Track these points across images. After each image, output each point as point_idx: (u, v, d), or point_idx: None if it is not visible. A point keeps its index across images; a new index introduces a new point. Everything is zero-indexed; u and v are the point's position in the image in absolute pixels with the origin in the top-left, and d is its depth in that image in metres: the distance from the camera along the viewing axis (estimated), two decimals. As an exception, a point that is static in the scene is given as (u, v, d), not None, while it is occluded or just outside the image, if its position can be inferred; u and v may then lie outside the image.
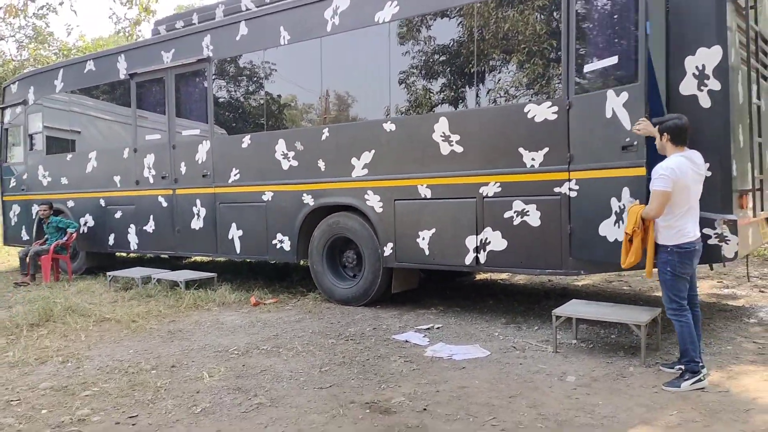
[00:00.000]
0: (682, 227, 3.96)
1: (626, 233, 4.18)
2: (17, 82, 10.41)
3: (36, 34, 16.42)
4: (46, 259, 8.86)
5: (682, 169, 3.92)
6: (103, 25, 51.85)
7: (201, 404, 3.87)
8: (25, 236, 10.19)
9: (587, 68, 5.06)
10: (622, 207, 4.64)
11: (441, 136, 5.83)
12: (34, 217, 9.95)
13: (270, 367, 4.59)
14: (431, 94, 6.06)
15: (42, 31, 16.48)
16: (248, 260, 8.71)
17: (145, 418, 3.68)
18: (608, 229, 4.85)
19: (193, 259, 10.36)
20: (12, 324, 5.99)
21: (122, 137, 8.79)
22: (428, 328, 5.59)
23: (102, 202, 9.00)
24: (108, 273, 8.45)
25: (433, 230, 5.92)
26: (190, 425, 3.56)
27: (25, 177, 10.19)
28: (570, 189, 5.15)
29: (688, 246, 3.97)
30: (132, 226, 8.62)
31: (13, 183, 10.49)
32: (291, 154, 6.94)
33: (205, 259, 10.18)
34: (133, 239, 8.64)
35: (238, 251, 7.51)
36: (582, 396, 3.81)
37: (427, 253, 5.98)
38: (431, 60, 6.03)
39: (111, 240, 8.94)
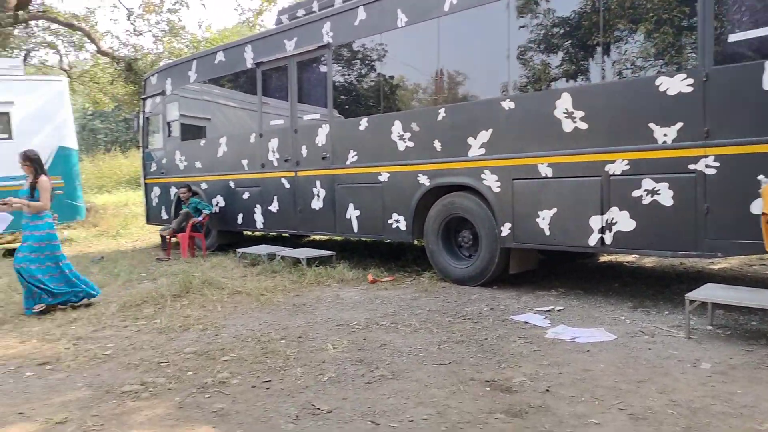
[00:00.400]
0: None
1: (763, 214, 3.87)
2: (156, 75, 11.26)
3: (170, 28, 17.65)
4: (184, 237, 9.59)
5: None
6: (227, 15, 54.66)
7: (327, 373, 4.05)
8: (164, 216, 11.07)
9: (734, 37, 4.68)
10: None
11: (563, 112, 5.65)
12: (172, 198, 10.77)
13: (389, 342, 4.71)
14: (552, 70, 5.88)
15: (175, 25, 17.69)
16: (365, 239, 8.94)
17: (278, 383, 3.92)
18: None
19: (312, 238, 10.78)
20: (158, 294, 6.56)
21: (249, 123, 9.28)
22: (549, 310, 5.48)
23: (231, 184, 9.58)
24: (237, 250, 9.02)
25: (555, 210, 5.77)
26: (318, 392, 3.75)
27: (164, 161, 11.05)
28: (707, 166, 4.82)
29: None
30: (258, 206, 9.12)
31: (153, 167, 11.41)
32: (407, 135, 7.02)
33: (324, 237, 10.55)
34: (259, 218, 9.14)
35: (355, 230, 7.73)
36: (718, 384, 3.60)
37: (547, 233, 5.85)
38: (552, 34, 5.83)
39: (239, 219, 9.51)
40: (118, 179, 22.35)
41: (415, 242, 7.83)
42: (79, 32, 17.86)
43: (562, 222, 5.73)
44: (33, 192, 6.23)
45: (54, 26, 18.09)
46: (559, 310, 5.46)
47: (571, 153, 5.61)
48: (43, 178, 6.25)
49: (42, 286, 6.13)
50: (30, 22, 16.96)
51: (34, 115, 11.32)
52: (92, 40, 17.83)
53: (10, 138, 11.04)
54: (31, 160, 6.29)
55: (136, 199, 17.40)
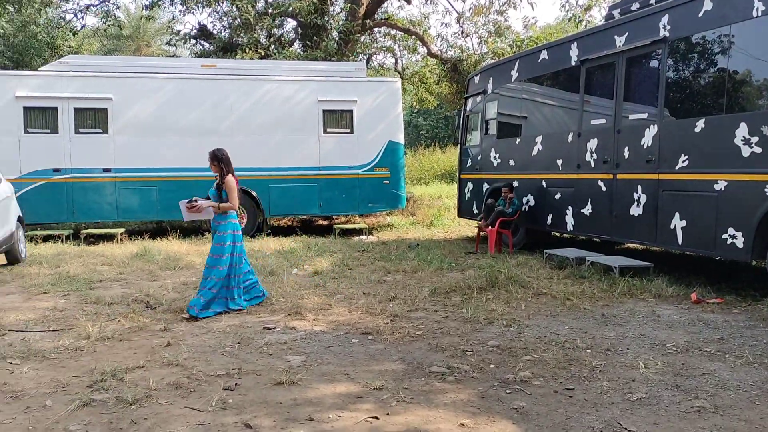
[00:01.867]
0: None
1: None
2: (479, 74, 11.76)
3: (495, 28, 18.22)
4: (492, 232, 9.87)
5: None
6: (549, 12, 54.20)
7: (636, 393, 3.76)
8: (475, 210, 11.53)
9: None
10: None
11: None
12: (483, 194, 11.16)
13: (713, 371, 4.16)
14: None
15: (501, 26, 18.19)
16: (689, 253, 8.04)
17: (581, 393, 3.77)
18: None
19: (626, 246, 10.10)
20: (465, 285, 6.86)
21: (566, 122, 9.08)
22: None
23: (543, 184, 9.51)
24: (545, 250, 8.92)
25: None
26: (626, 411, 3.50)
27: (479, 158, 11.50)
28: None
29: None
30: (569, 207, 8.88)
31: (469, 163, 11.96)
32: (754, 139, 6.07)
33: (640, 246, 9.81)
34: (569, 220, 8.90)
35: (679, 242, 6.99)
36: None
37: None
38: None
39: (549, 219, 9.39)
40: (435, 173, 23.92)
41: (754, 263, 6.76)
42: (413, 36, 19.59)
43: None
44: (220, 192, 6.05)
45: (393, 32, 20.18)
46: None
47: None
48: (229, 178, 6.04)
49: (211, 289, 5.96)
50: (374, 29, 19.19)
51: (371, 112, 12.81)
52: (424, 44, 19.40)
53: (351, 132, 12.70)
54: (218, 159, 6.07)
55: (449, 192, 18.44)
